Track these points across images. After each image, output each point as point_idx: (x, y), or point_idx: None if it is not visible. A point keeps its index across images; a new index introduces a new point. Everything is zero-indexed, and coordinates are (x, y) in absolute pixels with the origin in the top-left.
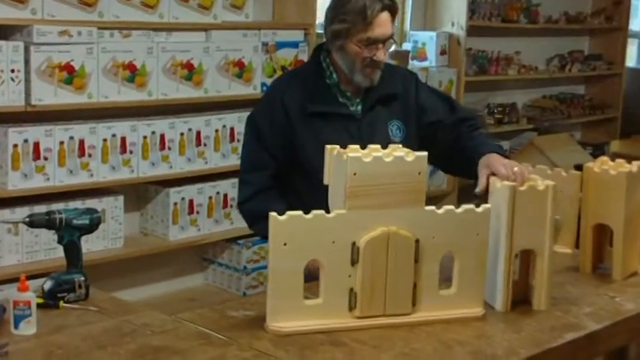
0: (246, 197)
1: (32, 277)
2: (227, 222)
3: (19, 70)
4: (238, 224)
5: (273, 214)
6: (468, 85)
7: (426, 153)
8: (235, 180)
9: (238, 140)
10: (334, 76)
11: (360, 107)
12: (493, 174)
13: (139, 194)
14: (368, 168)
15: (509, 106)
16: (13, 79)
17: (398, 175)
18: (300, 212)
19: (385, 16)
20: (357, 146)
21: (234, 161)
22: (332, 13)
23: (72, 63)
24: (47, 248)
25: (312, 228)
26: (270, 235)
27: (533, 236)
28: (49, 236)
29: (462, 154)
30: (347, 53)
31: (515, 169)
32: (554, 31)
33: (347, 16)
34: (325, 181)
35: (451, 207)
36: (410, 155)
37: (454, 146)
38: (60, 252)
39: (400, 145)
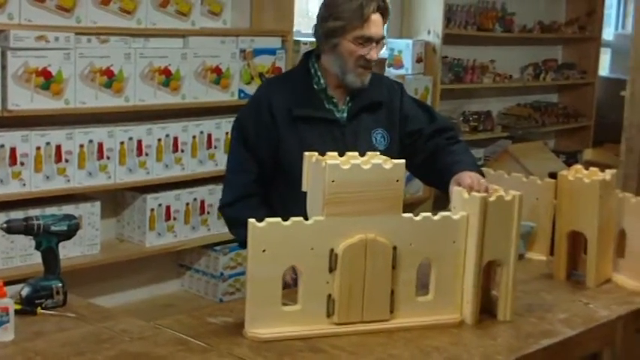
0: (228, 201)
1: (8, 283)
2: (204, 228)
3: None
4: (215, 231)
5: (252, 221)
6: (443, 92)
7: (403, 161)
8: (212, 187)
9: (215, 147)
10: (322, 81)
11: (345, 114)
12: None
13: (115, 200)
14: (346, 175)
15: (484, 114)
16: None
17: (376, 182)
18: (278, 219)
19: (379, 16)
20: (336, 153)
21: (211, 167)
22: (327, 12)
23: (49, 68)
24: (23, 254)
25: (290, 235)
26: (249, 241)
27: (501, 247)
28: (25, 242)
29: (438, 168)
30: (341, 52)
31: (482, 180)
32: (529, 40)
33: (343, 13)
34: (304, 188)
35: (428, 214)
36: (388, 163)
37: (432, 158)
38: (36, 258)
39: (378, 153)
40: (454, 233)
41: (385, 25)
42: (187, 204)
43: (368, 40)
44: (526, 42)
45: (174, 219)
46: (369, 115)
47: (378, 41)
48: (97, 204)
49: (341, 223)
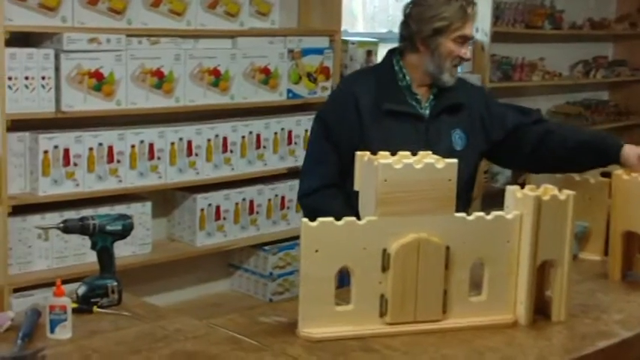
0: (307, 191)
1: (63, 282)
2: (253, 228)
3: (49, 77)
4: (264, 230)
5: (304, 220)
6: (492, 91)
7: (455, 160)
8: (261, 187)
9: (264, 147)
10: (407, 78)
11: (428, 111)
12: None
13: (166, 200)
14: (398, 175)
15: None
16: (43, 86)
17: (428, 181)
18: (331, 219)
19: (474, 15)
20: (388, 153)
21: (260, 167)
22: (429, 14)
23: (101, 70)
24: (77, 253)
25: (343, 235)
26: (302, 241)
27: (555, 246)
28: (78, 241)
29: (571, 147)
30: (440, 52)
31: None
32: (579, 37)
33: (448, 14)
34: (356, 188)
35: (481, 214)
36: (440, 162)
37: (548, 143)
38: (90, 257)
39: (430, 153)
40: (508, 233)
41: None
42: (237, 204)
43: (466, 40)
44: (576, 39)
45: (224, 219)
46: (450, 115)
47: (471, 39)
48: (148, 204)
49: (393, 223)
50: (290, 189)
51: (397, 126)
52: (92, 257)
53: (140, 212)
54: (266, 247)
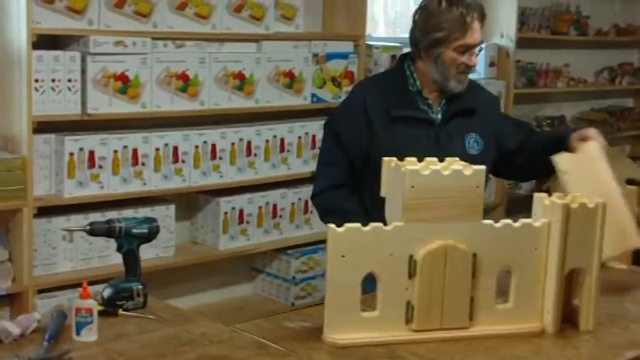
0: (320, 190)
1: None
2: (276, 232)
3: (75, 80)
4: (287, 234)
5: (331, 226)
6: (516, 97)
7: (484, 167)
8: (284, 190)
9: (288, 151)
10: (418, 83)
11: (439, 116)
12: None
13: (189, 203)
14: (426, 181)
15: (557, 118)
16: (69, 89)
17: (456, 188)
18: (358, 225)
19: (478, 23)
20: (414, 159)
21: (283, 171)
22: (429, 23)
23: (126, 73)
24: (101, 255)
25: (369, 240)
26: (329, 247)
27: (583, 254)
28: (102, 243)
29: (537, 149)
30: (443, 61)
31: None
32: (604, 44)
33: (445, 24)
34: (382, 193)
35: (509, 221)
36: (468, 169)
37: (526, 150)
38: (114, 259)
39: (457, 159)
40: (535, 240)
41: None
42: (260, 207)
43: (469, 48)
44: (601, 45)
45: (247, 222)
46: (464, 120)
47: (477, 46)
48: (172, 207)
49: (420, 229)
50: None
51: (407, 131)
52: (116, 259)
53: (164, 215)
54: (289, 251)
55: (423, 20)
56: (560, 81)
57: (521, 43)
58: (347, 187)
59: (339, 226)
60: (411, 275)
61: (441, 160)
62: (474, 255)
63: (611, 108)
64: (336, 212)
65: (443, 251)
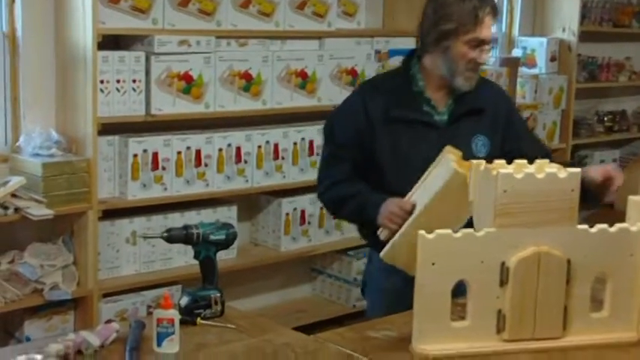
0: (325, 188)
1: (148, 287)
2: (338, 232)
3: (140, 80)
4: (349, 235)
5: (421, 232)
6: (577, 92)
7: (579, 170)
8: None
9: None
10: (420, 83)
11: (445, 117)
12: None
13: (250, 204)
14: (519, 185)
15: (619, 113)
16: (134, 89)
17: (550, 192)
18: (448, 231)
19: (491, 18)
20: (503, 161)
21: None
22: (438, 14)
23: (190, 72)
24: (163, 258)
25: (460, 247)
26: (419, 254)
27: None
28: (165, 246)
29: None
30: (452, 55)
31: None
32: None
33: (456, 15)
34: (470, 198)
35: (604, 226)
36: (562, 172)
37: None
38: (176, 262)
39: (548, 161)
40: (631, 246)
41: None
42: (321, 208)
43: (481, 43)
44: None
45: (309, 223)
46: (471, 120)
47: (489, 44)
48: (234, 208)
49: (512, 235)
50: None
51: (405, 133)
52: (178, 262)
53: (226, 216)
54: (350, 252)
55: (433, 11)
56: (621, 75)
57: (583, 36)
58: (354, 178)
59: (357, 213)
60: (503, 283)
61: None
62: (569, 261)
63: None
64: (336, 203)
65: (536, 258)
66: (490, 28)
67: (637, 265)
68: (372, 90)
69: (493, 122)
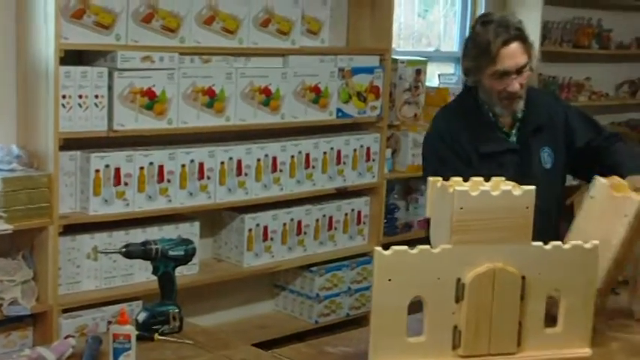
0: None
1: (109, 303)
2: (300, 249)
3: (102, 96)
4: (311, 251)
5: (377, 249)
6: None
7: (533, 187)
8: (309, 207)
9: (313, 167)
10: (490, 114)
11: (514, 139)
12: None
13: (213, 220)
14: (475, 202)
15: None
16: (96, 105)
17: (505, 209)
18: (404, 247)
19: (514, 46)
20: (460, 179)
21: (308, 187)
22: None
23: (153, 88)
24: (124, 274)
25: (416, 263)
26: (375, 270)
27: None
28: (126, 262)
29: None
30: (484, 88)
31: None
32: (626, 57)
33: (473, 51)
34: (427, 215)
35: (558, 243)
36: (517, 189)
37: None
38: (136, 278)
39: (504, 179)
40: (585, 263)
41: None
42: (284, 224)
43: (504, 74)
44: (623, 59)
45: (272, 239)
46: (535, 137)
47: (519, 71)
48: (197, 224)
49: (468, 252)
50: (337, 209)
51: (498, 166)
52: (139, 278)
53: (188, 232)
54: (313, 268)
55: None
56: (581, 95)
57: (544, 56)
58: None
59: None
60: (459, 299)
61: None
62: (523, 278)
63: (632, 122)
64: None
65: (491, 274)
66: (514, 57)
67: (590, 282)
68: (455, 124)
69: (554, 135)
